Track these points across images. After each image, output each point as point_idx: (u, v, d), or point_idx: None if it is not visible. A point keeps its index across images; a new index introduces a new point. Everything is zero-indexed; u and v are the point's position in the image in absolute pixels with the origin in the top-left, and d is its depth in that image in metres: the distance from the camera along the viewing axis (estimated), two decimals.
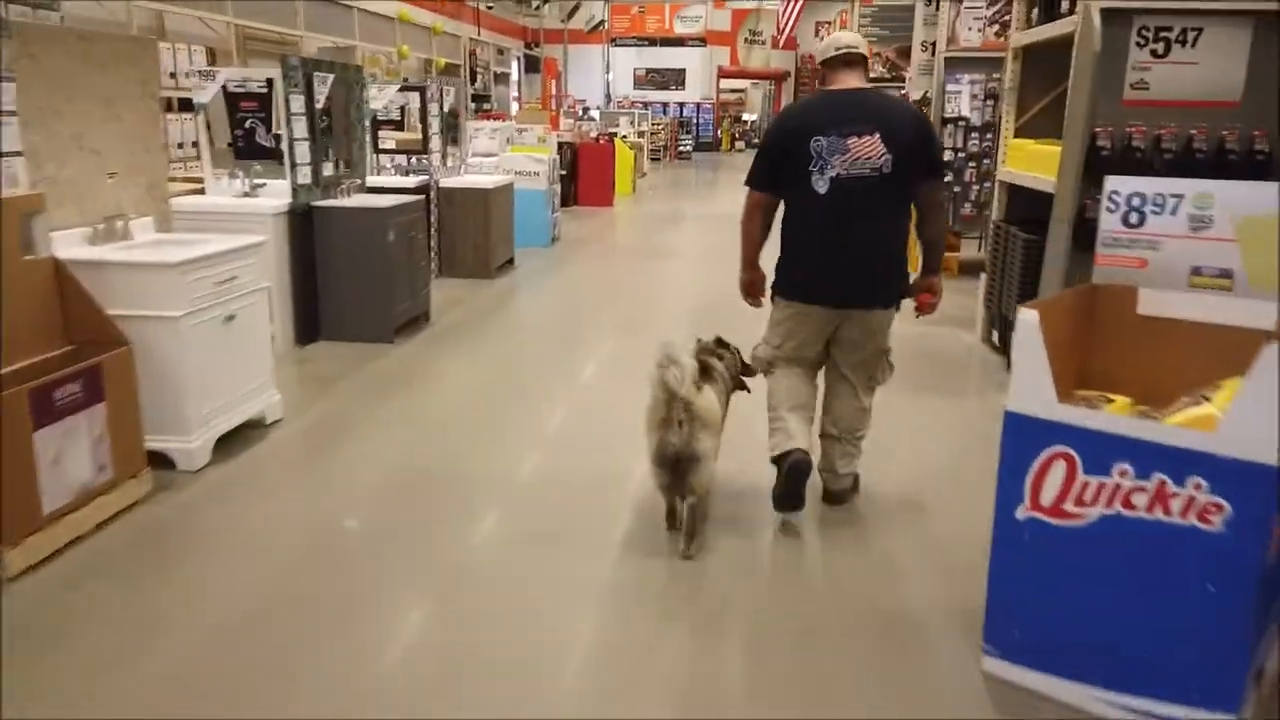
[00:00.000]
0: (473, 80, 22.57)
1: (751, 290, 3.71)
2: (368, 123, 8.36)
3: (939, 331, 6.59)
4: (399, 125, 9.24)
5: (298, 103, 5.74)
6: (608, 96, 28.95)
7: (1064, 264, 4.81)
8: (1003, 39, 8.20)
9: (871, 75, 3.96)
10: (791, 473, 3.35)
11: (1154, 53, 4.64)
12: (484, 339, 6.48)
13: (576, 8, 29.19)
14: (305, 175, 5.84)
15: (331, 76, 6.05)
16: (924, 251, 3.63)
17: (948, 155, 8.15)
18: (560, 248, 10.53)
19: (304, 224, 5.83)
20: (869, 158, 3.28)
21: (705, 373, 3.38)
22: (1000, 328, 5.89)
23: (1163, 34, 4.62)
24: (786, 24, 25.01)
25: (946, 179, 7.84)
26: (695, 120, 31.01)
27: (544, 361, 6.06)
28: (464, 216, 8.28)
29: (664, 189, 18.75)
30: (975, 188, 8.43)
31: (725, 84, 32.20)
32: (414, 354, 5.95)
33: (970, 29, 8.25)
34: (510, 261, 9.07)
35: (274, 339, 5.66)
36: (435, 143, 8.38)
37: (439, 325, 6.67)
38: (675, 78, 31.47)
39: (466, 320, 6.98)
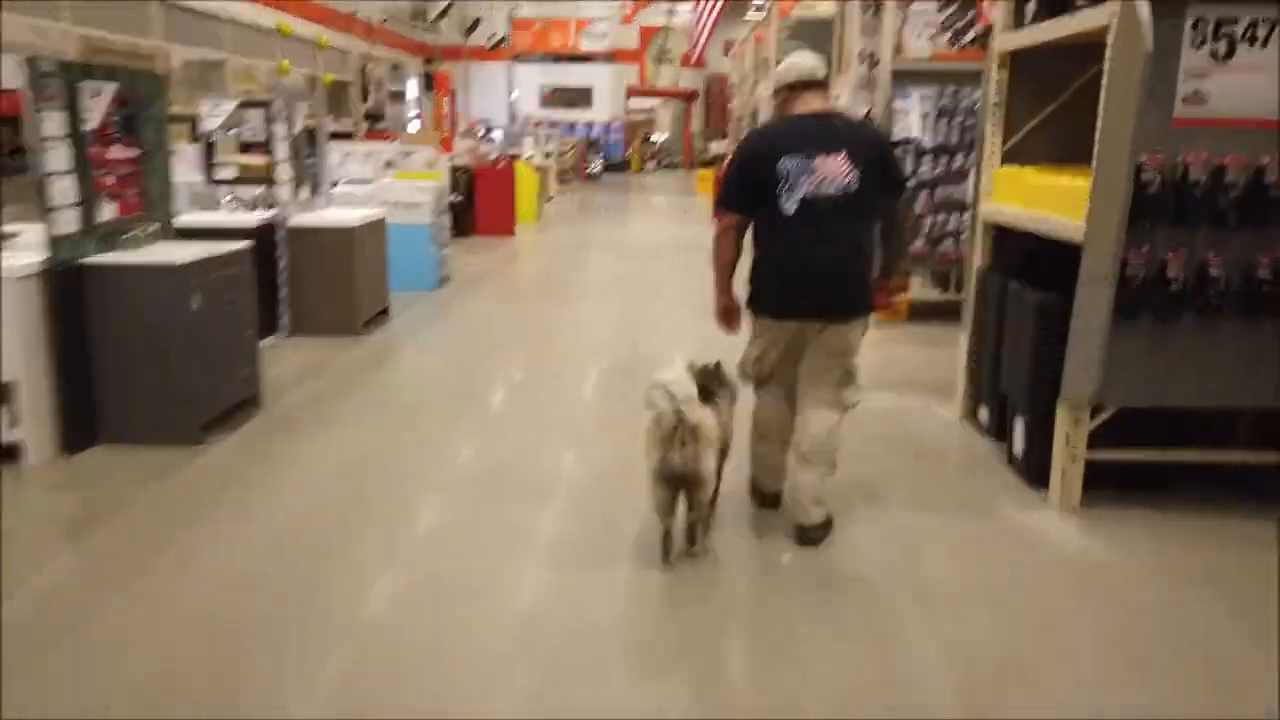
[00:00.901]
0: (365, 98, 20.91)
1: (728, 318, 3.73)
2: (201, 145, 6.83)
3: (910, 405, 5.34)
4: (267, 148, 7.63)
5: (55, 122, 4.16)
6: (512, 116, 27.54)
7: (1104, 339, 3.59)
8: (957, 49, 7.12)
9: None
10: (767, 503, 3.84)
11: (1214, 55, 3.47)
12: (337, 426, 4.91)
13: (476, 24, 27.71)
14: (70, 222, 4.26)
15: (112, 86, 4.48)
16: (884, 257, 3.76)
17: None
18: (450, 291, 9.01)
19: (71, 288, 4.25)
20: (836, 178, 3.37)
21: (705, 396, 3.42)
22: (994, 406, 4.65)
23: (1225, 30, 3.46)
24: (700, 37, 24.11)
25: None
26: (605, 140, 29.82)
27: (421, 457, 4.51)
28: (321, 261, 6.71)
29: (572, 214, 17.38)
30: (929, 220, 7.27)
31: (634, 103, 31.16)
32: (230, 460, 4.38)
33: (920, 37, 7.12)
34: (385, 312, 7.51)
35: (24, 450, 4.11)
36: (284, 171, 6.81)
37: (276, 410, 5.09)
38: (582, 96, 30.28)
39: (317, 398, 5.42)
